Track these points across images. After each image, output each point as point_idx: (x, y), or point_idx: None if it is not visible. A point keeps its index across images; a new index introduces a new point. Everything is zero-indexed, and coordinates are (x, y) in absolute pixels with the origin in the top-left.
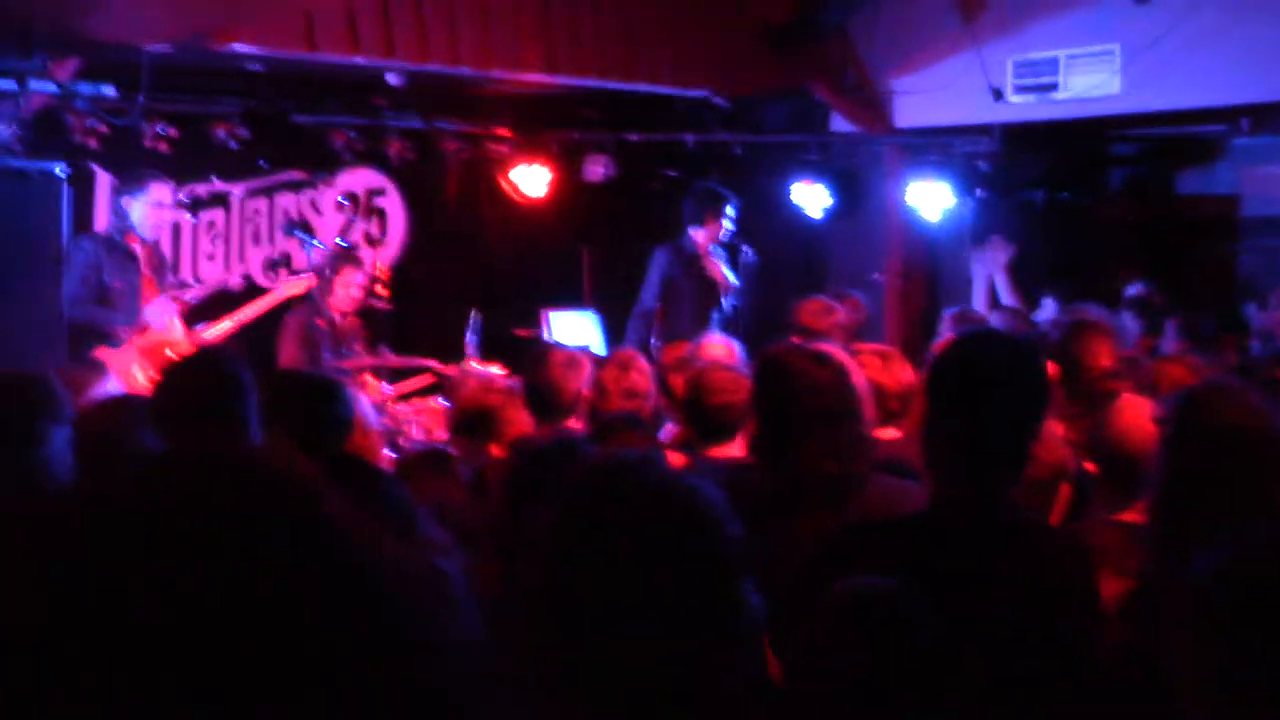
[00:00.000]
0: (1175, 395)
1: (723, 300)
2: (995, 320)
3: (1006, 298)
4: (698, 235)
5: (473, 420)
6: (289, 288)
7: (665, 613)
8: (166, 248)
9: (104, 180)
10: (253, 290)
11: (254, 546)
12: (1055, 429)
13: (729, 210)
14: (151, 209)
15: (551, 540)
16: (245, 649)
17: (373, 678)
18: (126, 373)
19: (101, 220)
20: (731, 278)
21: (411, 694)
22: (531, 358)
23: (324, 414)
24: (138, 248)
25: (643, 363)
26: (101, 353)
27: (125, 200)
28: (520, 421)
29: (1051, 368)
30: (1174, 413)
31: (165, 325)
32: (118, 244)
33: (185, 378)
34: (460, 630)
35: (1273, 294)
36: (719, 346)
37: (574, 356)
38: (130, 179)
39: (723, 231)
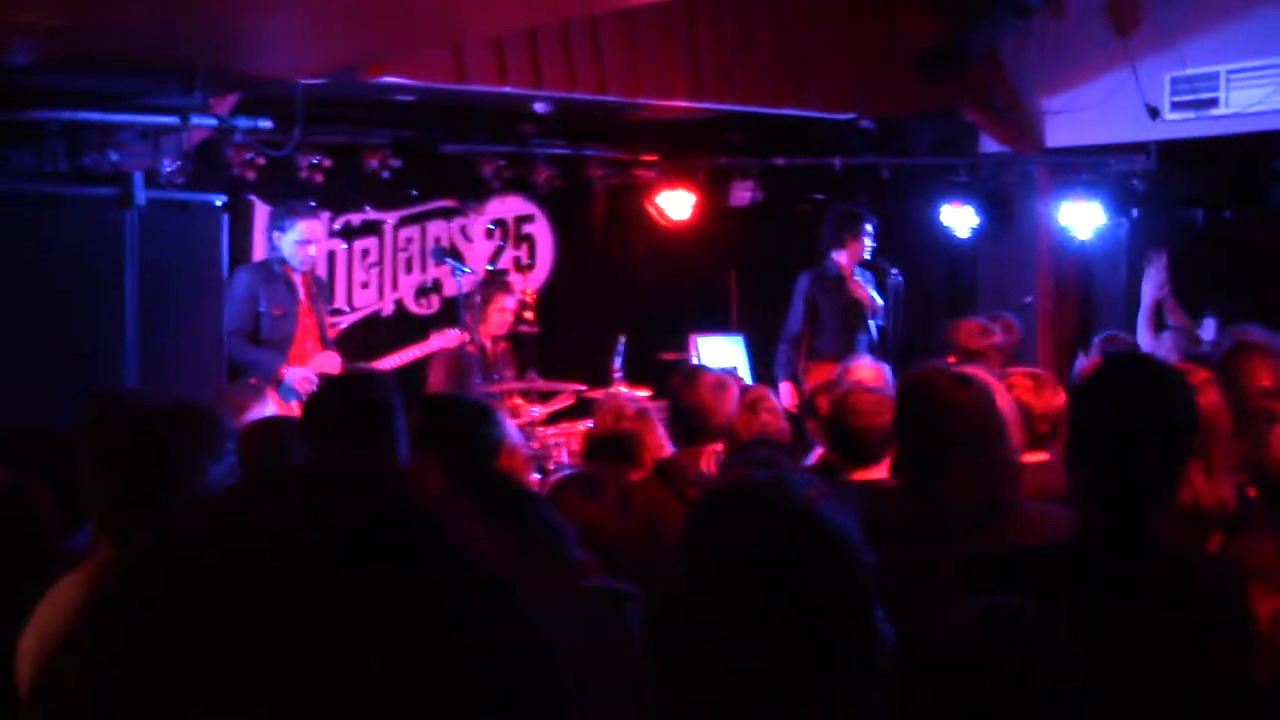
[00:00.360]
0: None
1: (870, 322)
2: (1164, 340)
3: (1173, 316)
4: (839, 257)
5: (608, 445)
6: (444, 341)
7: (792, 641)
8: (323, 275)
9: (262, 211)
10: (405, 317)
11: (369, 560)
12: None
13: (868, 229)
14: (298, 245)
15: (679, 564)
16: (347, 671)
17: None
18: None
19: (259, 251)
20: (877, 299)
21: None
22: (680, 380)
23: (475, 436)
24: (296, 276)
25: (772, 401)
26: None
27: (275, 234)
28: (657, 445)
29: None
30: None
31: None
32: (275, 273)
33: (335, 397)
34: (593, 658)
35: None
36: (867, 369)
37: (722, 379)
38: (280, 213)
39: (864, 251)
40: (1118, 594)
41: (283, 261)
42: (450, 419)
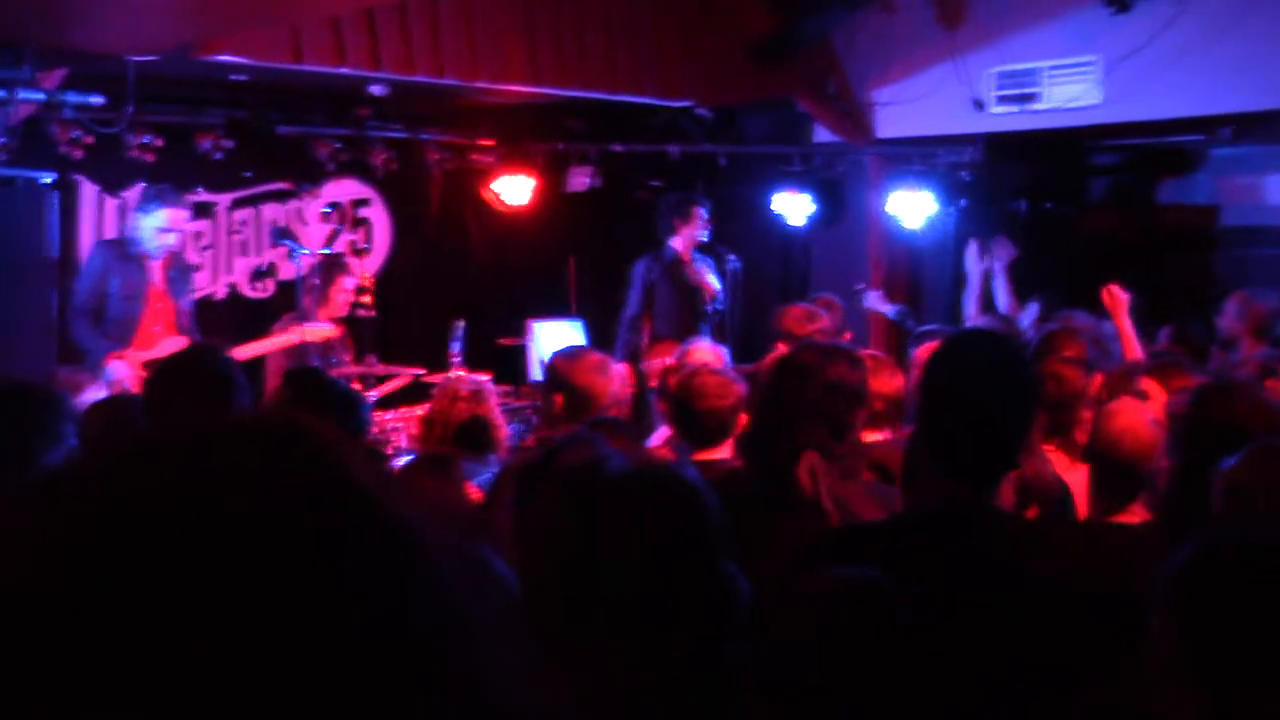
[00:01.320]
0: (1187, 393)
1: (707, 307)
2: (983, 324)
3: (1004, 298)
4: (675, 242)
5: (472, 432)
6: (313, 334)
7: (667, 598)
8: None
9: (89, 191)
10: (238, 301)
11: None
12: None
13: (702, 215)
14: (157, 232)
15: (557, 537)
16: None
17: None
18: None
19: (86, 232)
20: (715, 283)
21: (450, 666)
22: (563, 360)
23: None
24: (150, 260)
25: (615, 369)
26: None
27: (137, 215)
28: (499, 426)
29: None
30: (1186, 409)
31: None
32: (130, 253)
33: (176, 372)
34: (496, 605)
35: (1228, 301)
36: (706, 351)
37: (604, 360)
38: (147, 195)
39: (699, 235)
40: (963, 565)
41: (139, 243)
42: (324, 396)
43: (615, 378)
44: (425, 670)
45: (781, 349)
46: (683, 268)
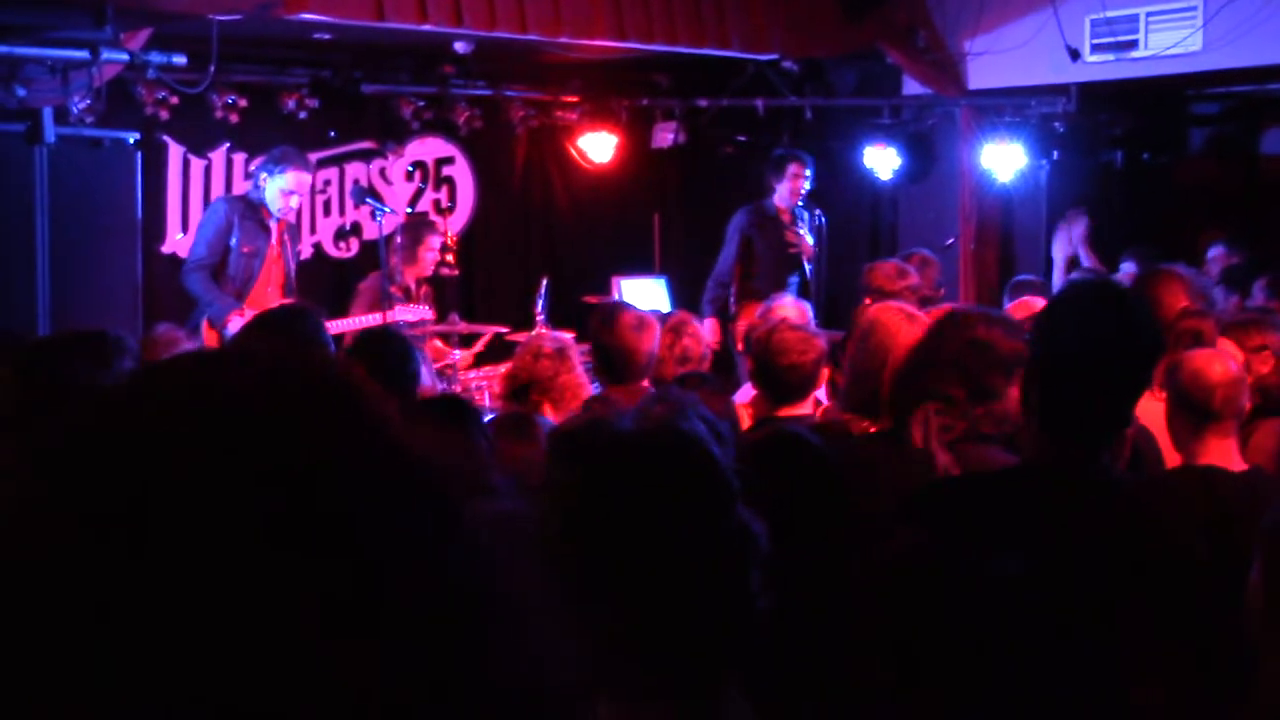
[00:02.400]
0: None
1: (805, 265)
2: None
3: (1087, 264)
4: (775, 198)
5: (523, 388)
6: (406, 315)
7: (675, 548)
8: None
9: (176, 151)
10: (323, 260)
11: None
12: None
13: (796, 170)
14: (282, 194)
15: (556, 493)
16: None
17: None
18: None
19: (173, 192)
20: (809, 241)
21: (468, 620)
22: (599, 320)
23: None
24: (271, 219)
25: (694, 327)
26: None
27: (262, 175)
28: (578, 385)
29: None
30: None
31: None
32: (253, 210)
33: (264, 331)
34: (523, 565)
35: None
36: (789, 307)
37: (643, 318)
38: (274, 156)
39: (798, 191)
40: (1072, 522)
41: (262, 203)
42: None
43: (653, 336)
44: (457, 628)
45: (869, 305)
46: (779, 224)
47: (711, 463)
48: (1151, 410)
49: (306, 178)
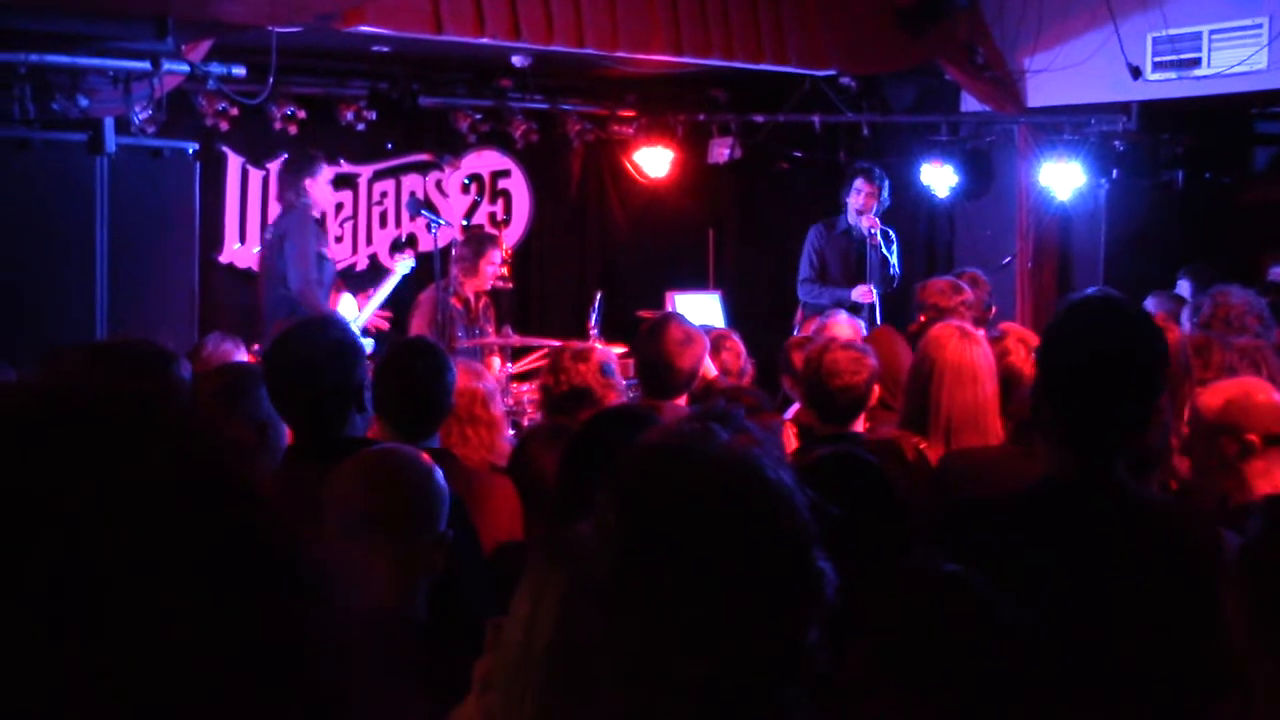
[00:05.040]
0: None
1: (874, 283)
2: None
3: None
4: (847, 213)
5: (565, 399)
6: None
7: (736, 588)
8: None
9: (235, 162)
10: (379, 271)
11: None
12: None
13: (859, 186)
14: (328, 186)
15: (612, 523)
16: None
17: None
18: None
19: (231, 202)
20: (893, 259)
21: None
22: (646, 331)
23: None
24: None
25: (735, 342)
26: None
27: (307, 182)
28: (616, 398)
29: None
30: None
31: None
32: (317, 219)
33: (296, 340)
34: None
35: None
36: (844, 325)
37: (690, 333)
38: (303, 161)
39: (861, 206)
40: (1089, 536)
41: (310, 207)
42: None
43: (699, 352)
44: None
45: (924, 322)
46: (848, 240)
47: (792, 504)
48: None
49: (331, 168)
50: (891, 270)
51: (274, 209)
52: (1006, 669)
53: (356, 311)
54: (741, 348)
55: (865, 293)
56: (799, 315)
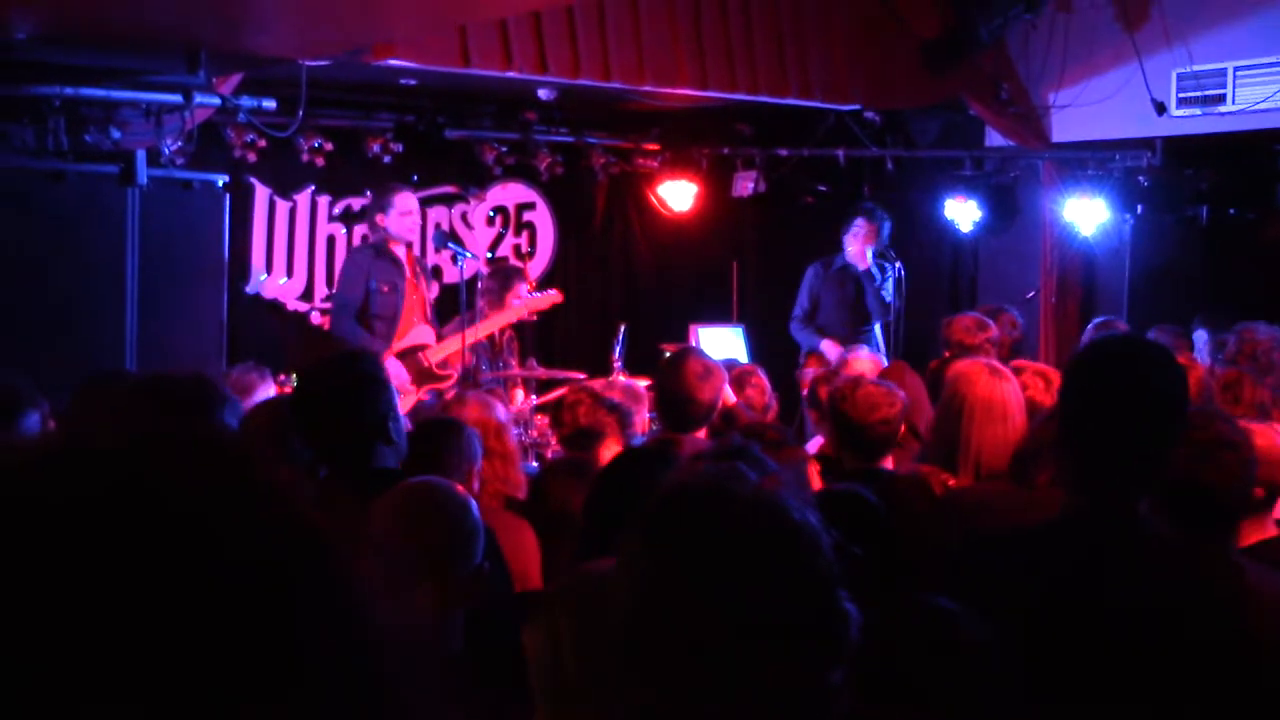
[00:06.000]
0: None
1: (874, 321)
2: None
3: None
4: (846, 252)
5: (575, 439)
6: (537, 303)
7: (761, 628)
8: (321, 260)
9: (262, 193)
10: None
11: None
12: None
13: (858, 224)
14: (403, 217)
15: (639, 563)
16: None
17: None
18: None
19: (259, 233)
20: (887, 296)
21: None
22: (667, 364)
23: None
24: (400, 253)
25: (760, 378)
26: None
27: (378, 217)
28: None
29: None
30: None
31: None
32: (385, 251)
33: (324, 374)
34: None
35: None
36: (865, 361)
37: (710, 367)
38: (378, 194)
39: (858, 245)
40: (1105, 575)
41: (386, 240)
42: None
43: (718, 385)
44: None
45: (948, 358)
46: (846, 277)
47: (818, 546)
48: None
49: (409, 194)
50: (888, 301)
51: (301, 240)
52: (976, 702)
53: (434, 342)
54: (766, 383)
55: (830, 347)
56: (802, 352)
